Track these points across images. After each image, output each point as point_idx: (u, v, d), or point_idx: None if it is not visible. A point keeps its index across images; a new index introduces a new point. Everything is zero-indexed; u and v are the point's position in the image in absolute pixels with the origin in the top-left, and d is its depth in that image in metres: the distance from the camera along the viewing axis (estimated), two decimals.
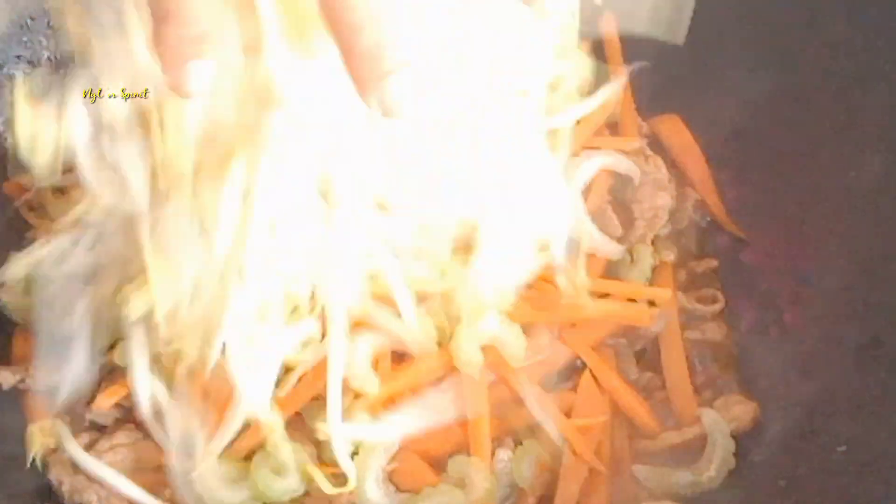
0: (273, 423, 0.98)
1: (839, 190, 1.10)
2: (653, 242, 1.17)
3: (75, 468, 1.03)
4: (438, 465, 1.04)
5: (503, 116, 1.02)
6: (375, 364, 1.02)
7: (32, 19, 1.23)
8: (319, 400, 0.98)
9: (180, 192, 0.92)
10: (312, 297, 0.98)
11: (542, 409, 1.03)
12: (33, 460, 1.04)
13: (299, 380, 1.00)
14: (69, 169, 0.99)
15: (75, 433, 1.06)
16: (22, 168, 1.13)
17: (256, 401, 0.97)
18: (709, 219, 1.22)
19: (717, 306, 1.17)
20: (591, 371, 1.08)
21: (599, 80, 1.20)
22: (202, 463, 1.00)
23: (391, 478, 1.02)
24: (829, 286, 1.10)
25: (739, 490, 1.06)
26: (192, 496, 1.00)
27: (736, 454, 1.07)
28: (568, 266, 1.06)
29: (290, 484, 1.00)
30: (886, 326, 1.03)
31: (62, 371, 1.04)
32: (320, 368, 0.98)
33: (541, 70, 1.08)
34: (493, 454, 1.03)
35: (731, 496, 1.06)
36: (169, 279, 0.94)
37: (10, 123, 1.19)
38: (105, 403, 1.03)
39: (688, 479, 1.05)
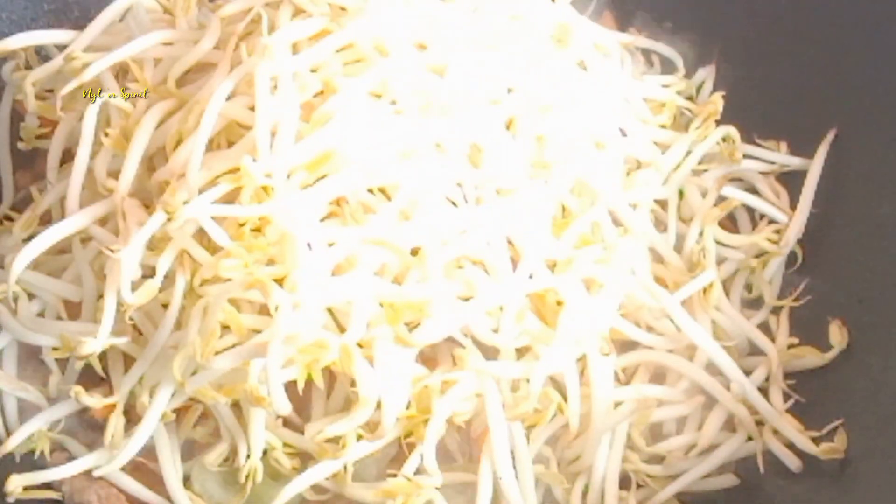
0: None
1: None
2: None
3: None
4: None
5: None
6: None
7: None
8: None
9: None
10: None
11: None
12: (34, 460, 1.04)
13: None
14: None
15: (74, 432, 1.06)
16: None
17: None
18: None
19: None
20: None
21: None
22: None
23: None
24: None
25: (740, 489, 1.06)
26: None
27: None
28: None
29: (287, 490, 0.99)
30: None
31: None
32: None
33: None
34: None
35: (732, 496, 1.06)
36: None
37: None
38: (101, 415, 1.03)
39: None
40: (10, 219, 1.14)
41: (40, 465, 1.03)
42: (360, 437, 0.97)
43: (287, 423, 1.01)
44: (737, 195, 1.16)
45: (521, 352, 1.02)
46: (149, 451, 1.02)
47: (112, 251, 0.96)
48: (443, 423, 0.98)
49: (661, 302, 1.05)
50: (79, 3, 1.27)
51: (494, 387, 0.99)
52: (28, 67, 1.18)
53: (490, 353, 1.00)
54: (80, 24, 1.22)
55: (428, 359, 1.00)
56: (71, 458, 1.04)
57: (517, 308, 0.99)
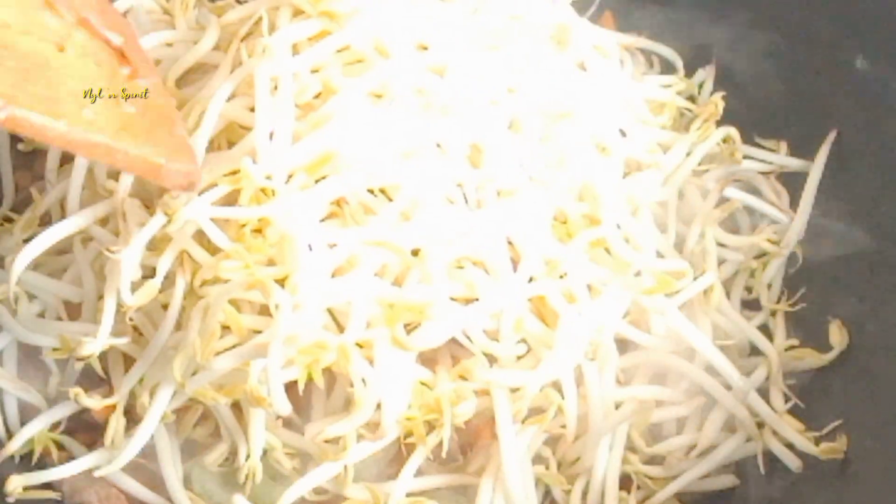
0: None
1: None
2: None
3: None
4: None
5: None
6: None
7: None
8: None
9: None
10: None
11: None
12: (34, 460, 1.04)
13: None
14: None
15: (74, 432, 1.06)
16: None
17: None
18: None
19: None
20: None
21: None
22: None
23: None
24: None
25: (740, 490, 1.06)
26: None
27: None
28: None
29: (288, 494, 0.99)
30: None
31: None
32: None
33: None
34: None
35: (732, 496, 1.06)
36: None
37: None
38: (100, 416, 1.03)
39: None
40: (10, 219, 1.14)
41: (40, 466, 1.04)
42: (360, 438, 0.97)
43: (287, 423, 1.01)
44: (738, 196, 1.16)
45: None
46: (149, 451, 1.01)
47: (112, 252, 0.96)
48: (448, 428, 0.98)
49: (661, 305, 1.05)
50: None
51: (504, 396, 0.99)
52: None
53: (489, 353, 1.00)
54: None
55: (428, 359, 1.00)
56: (71, 458, 1.03)
57: (516, 316, 0.99)
